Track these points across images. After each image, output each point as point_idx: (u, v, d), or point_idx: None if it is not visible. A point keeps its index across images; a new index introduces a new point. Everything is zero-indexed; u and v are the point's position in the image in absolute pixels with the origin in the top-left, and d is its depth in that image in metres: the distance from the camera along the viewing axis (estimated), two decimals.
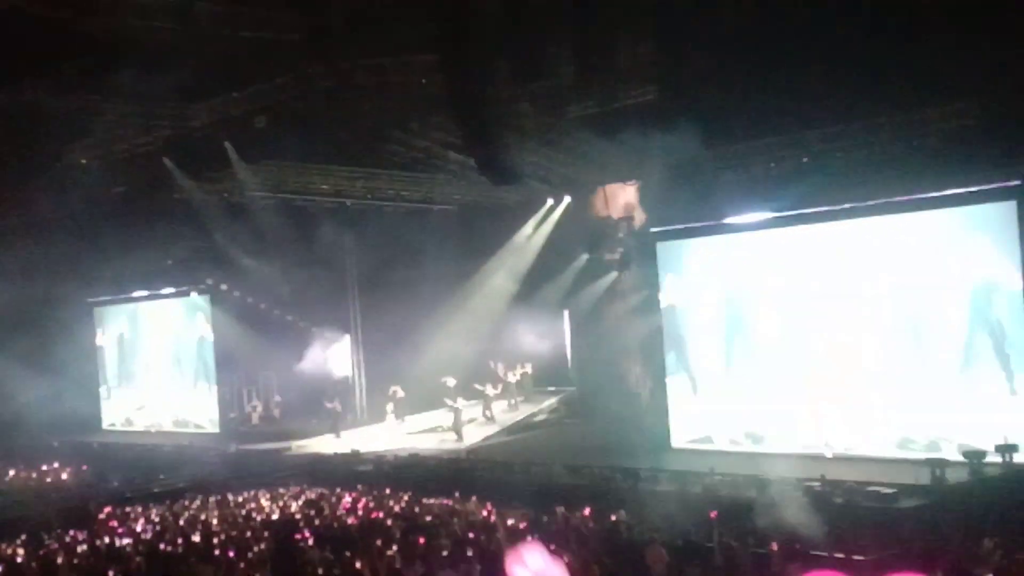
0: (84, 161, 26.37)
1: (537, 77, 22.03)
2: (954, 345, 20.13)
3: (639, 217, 27.97)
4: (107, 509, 21.97)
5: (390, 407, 30.00)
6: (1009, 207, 19.30)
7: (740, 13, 19.48)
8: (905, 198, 20.96)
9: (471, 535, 15.82)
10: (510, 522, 16.87)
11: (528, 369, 31.19)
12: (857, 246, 21.53)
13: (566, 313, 32.00)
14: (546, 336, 31.45)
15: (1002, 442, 18.46)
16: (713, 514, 15.43)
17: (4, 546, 18.41)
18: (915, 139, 21.37)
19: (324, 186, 29.05)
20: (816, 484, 18.04)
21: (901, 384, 20.78)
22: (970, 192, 19.91)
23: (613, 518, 16.61)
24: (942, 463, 18.11)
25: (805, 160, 23.28)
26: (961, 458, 18.55)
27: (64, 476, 28.84)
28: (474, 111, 20.42)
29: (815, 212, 22.30)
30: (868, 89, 19.80)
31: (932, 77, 18.83)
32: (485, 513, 18.24)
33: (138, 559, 15.91)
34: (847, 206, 21.70)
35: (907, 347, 20.78)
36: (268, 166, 27.38)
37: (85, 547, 17.84)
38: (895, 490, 17.49)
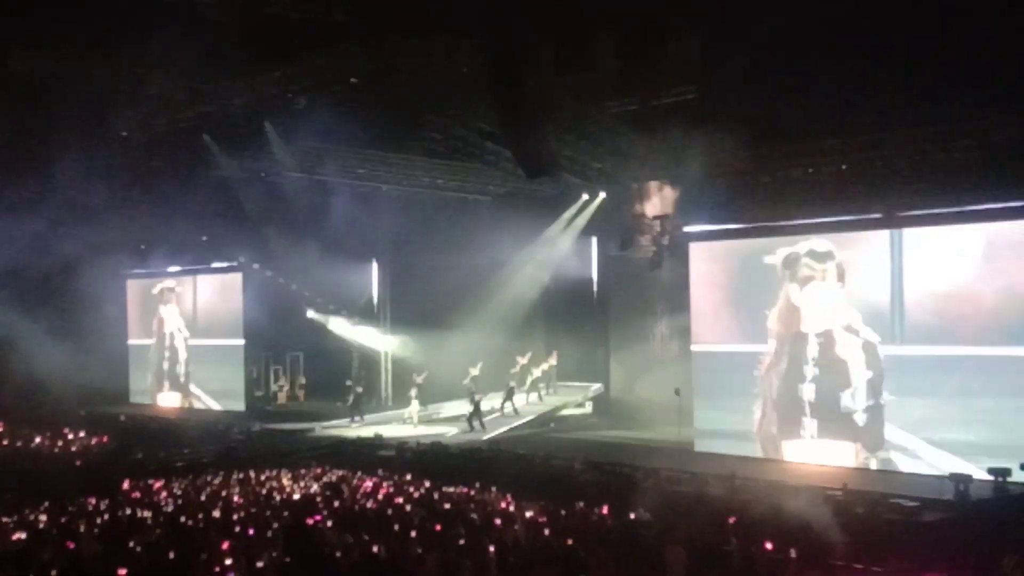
0: (125, 134, 26.55)
1: (579, 70, 21.99)
2: (985, 361, 19.93)
3: (673, 216, 27.88)
4: (130, 480, 22.14)
5: (413, 392, 30.06)
6: None
7: (784, 15, 19.38)
8: (941, 210, 20.79)
9: (489, 525, 15.83)
10: (528, 514, 16.86)
11: (554, 361, 31.17)
12: (891, 256, 21.34)
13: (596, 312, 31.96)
14: (575, 331, 31.44)
15: None
16: (732, 520, 15.38)
17: (27, 512, 18.57)
18: (956, 151, 21.15)
19: (360, 170, 29.10)
20: (838, 493, 17.94)
21: (930, 396, 20.61)
22: (1007, 207, 19.70)
23: (632, 516, 16.56)
24: (966, 479, 17.97)
25: (844, 167, 23.09)
26: (986, 475, 18.40)
27: (90, 445, 29.10)
28: (514, 101, 20.38)
29: (851, 220, 22.13)
30: (915, 97, 19.64)
31: (981, 88, 18.68)
32: (504, 504, 18.24)
33: (158, 531, 16.01)
34: (882, 215, 21.54)
35: (939, 360, 20.58)
36: (306, 147, 27.48)
37: (107, 516, 17.98)
38: (918, 503, 17.36)
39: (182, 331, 38.17)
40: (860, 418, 21.46)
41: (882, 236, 21.49)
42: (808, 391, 22.29)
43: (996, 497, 17.95)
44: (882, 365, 21.19)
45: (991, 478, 18.30)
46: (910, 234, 21.14)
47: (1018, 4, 17.26)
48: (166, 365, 38.67)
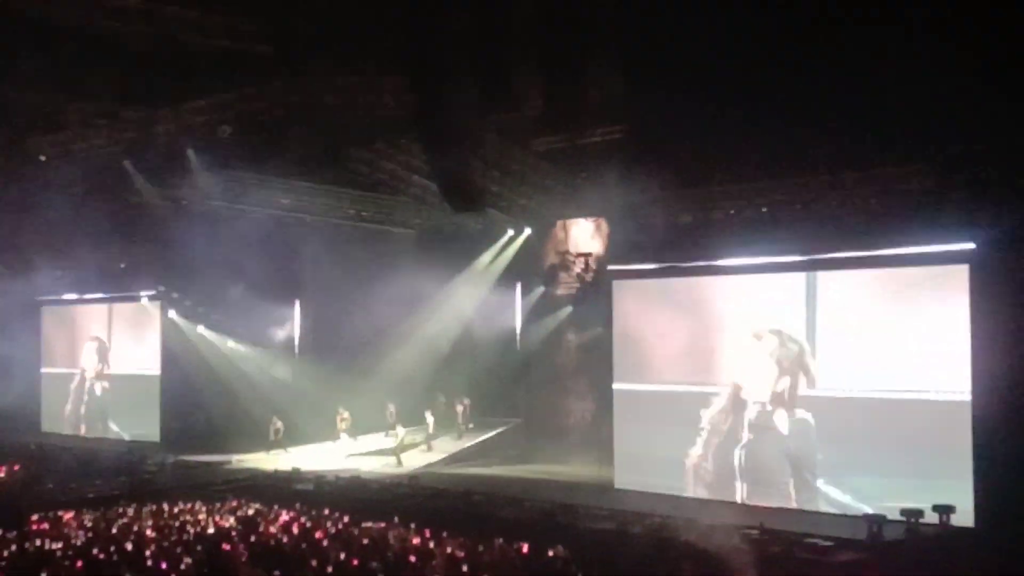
0: (43, 158, 26.09)
1: (506, 107, 22.13)
2: (898, 405, 20.31)
3: (597, 254, 28.12)
4: (39, 512, 21.59)
5: (341, 426, 29.85)
6: (962, 270, 19.56)
7: (710, 60, 19.69)
8: (860, 254, 21.17)
9: (407, 560, 15.71)
10: (447, 550, 16.77)
11: (467, 403, 31.13)
12: (811, 298, 21.68)
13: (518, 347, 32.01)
14: (496, 366, 31.42)
15: (940, 503, 18.66)
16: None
17: None
18: (874, 196, 21.62)
19: (285, 200, 28.90)
20: (754, 532, 18.08)
21: (844, 439, 20.92)
22: (925, 253, 20.15)
23: (550, 553, 16.54)
24: (880, 519, 18.24)
25: (764, 210, 23.47)
26: (899, 516, 18.69)
27: None
28: (441, 136, 20.45)
29: (771, 262, 22.46)
30: (832, 143, 20.07)
31: (897, 136, 19.15)
32: (422, 540, 18.11)
33: (68, 564, 15.63)
34: (804, 258, 21.88)
35: (854, 403, 20.92)
36: (229, 176, 27.22)
37: (14, 548, 17.50)
38: (832, 543, 17.57)
39: (98, 360, 37.44)
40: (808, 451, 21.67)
41: (798, 280, 21.81)
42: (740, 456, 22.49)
43: (908, 538, 18.24)
44: (830, 402, 21.37)
45: (904, 519, 18.59)
46: (824, 280, 21.50)
47: (934, 56, 17.70)
48: (80, 395, 37.89)
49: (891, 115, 18.88)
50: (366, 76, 22.28)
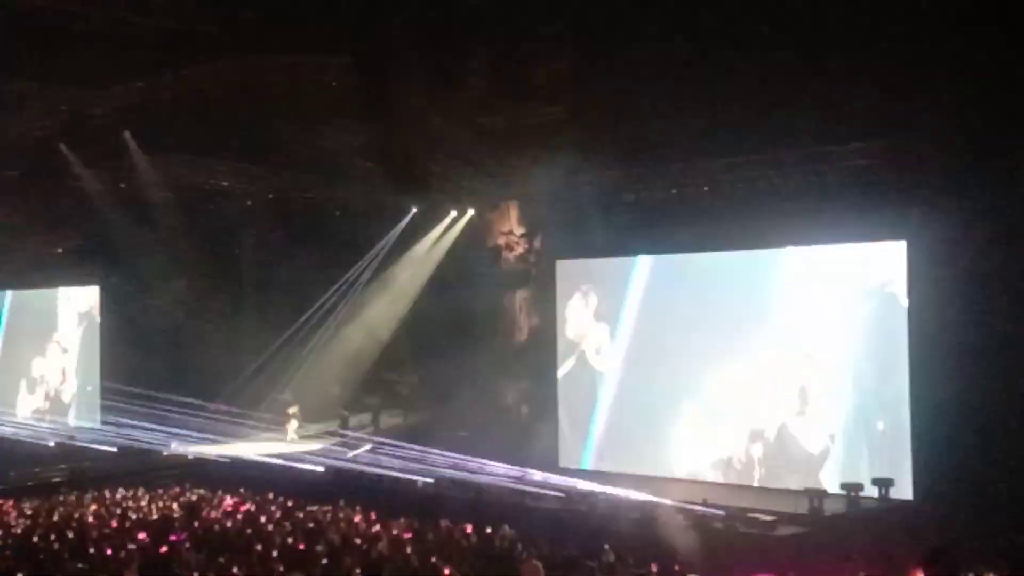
0: None
1: (451, 87, 22.08)
2: (839, 381, 20.58)
3: (541, 234, 28.10)
4: None
5: (289, 423, 29.69)
6: (899, 247, 19.82)
7: (653, 40, 19.77)
8: (800, 232, 21.36)
9: (352, 542, 15.66)
10: (393, 532, 16.75)
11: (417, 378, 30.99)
12: (753, 276, 21.90)
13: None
14: (443, 348, 31.34)
15: (879, 475, 18.94)
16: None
17: None
18: (814, 175, 21.78)
19: (225, 182, 28.61)
20: (697, 508, 18.26)
21: (785, 414, 21.17)
22: (863, 229, 20.37)
23: (494, 532, 16.58)
24: (821, 493, 18.49)
25: (706, 188, 23.61)
26: (839, 490, 18.94)
27: None
28: (385, 117, 20.36)
29: (713, 241, 22.60)
30: (774, 122, 20.21)
31: (837, 115, 19.33)
32: (368, 522, 18.07)
33: (7, 552, 15.41)
34: (746, 237, 22.03)
35: (794, 381, 21.16)
36: (169, 158, 26.88)
37: None
38: (774, 517, 17.79)
39: (37, 347, 36.93)
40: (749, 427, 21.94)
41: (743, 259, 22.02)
42: (700, 403, 22.66)
43: (848, 511, 18.51)
44: (770, 380, 21.61)
45: (844, 493, 18.85)
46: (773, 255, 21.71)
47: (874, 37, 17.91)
48: (20, 382, 37.35)
49: (833, 95, 19.05)
50: (310, 56, 22.11)
